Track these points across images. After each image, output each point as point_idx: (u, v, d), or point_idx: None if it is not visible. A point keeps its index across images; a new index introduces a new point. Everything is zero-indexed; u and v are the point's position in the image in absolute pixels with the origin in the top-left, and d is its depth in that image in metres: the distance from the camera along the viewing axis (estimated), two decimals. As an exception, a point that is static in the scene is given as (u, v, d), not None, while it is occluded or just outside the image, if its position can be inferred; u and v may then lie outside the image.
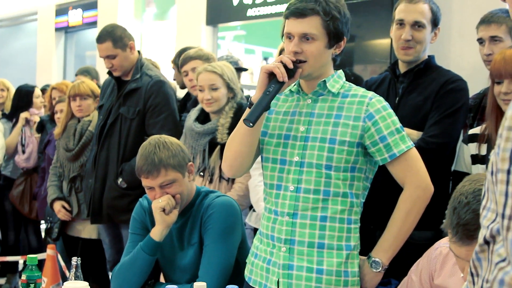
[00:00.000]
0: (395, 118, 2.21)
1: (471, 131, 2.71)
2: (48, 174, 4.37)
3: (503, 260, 0.96)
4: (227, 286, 2.04)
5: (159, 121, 3.69)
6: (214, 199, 2.57)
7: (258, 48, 9.45)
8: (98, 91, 4.19)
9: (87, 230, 4.09)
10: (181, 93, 4.43)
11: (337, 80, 2.26)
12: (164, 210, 2.47)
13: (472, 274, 1.08)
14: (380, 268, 2.21)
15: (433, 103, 2.72)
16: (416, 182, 2.19)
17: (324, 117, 2.20)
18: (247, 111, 2.14)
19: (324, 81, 2.23)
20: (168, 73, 4.52)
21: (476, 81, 3.12)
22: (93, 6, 9.10)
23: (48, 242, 4.08)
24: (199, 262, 2.53)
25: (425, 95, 2.75)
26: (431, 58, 2.86)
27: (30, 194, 5.20)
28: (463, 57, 4.21)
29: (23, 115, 5.43)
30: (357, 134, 2.16)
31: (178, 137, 3.39)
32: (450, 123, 2.68)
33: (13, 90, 5.70)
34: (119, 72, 3.82)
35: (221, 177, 3.30)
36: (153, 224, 2.55)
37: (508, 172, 0.95)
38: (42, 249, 4.69)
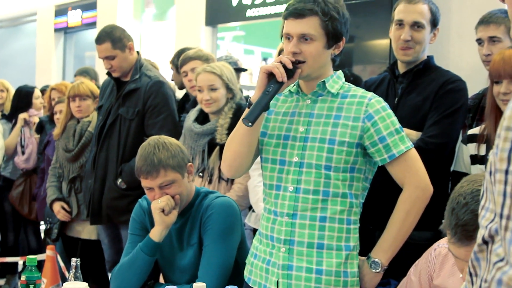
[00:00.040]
0: (395, 118, 2.21)
1: (470, 131, 2.72)
2: (47, 175, 4.37)
3: (501, 260, 0.96)
4: (227, 287, 2.04)
5: (158, 122, 3.69)
6: (213, 200, 2.57)
7: (257, 48, 9.45)
8: (97, 91, 4.19)
9: (87, 231, 4.09)
10: (179, 94, 4.43)
11: (336, 81, 2.26)
12: (163, 210, 2.47)
13: (470, 274, 1.08)
14: (380, 269, 2.21)
15: (432, 103, 2.72)
16: (415, 183, 2.19)
17: (323, 117, 2.21)
18: (246, 111, 2.15)
19: (324, 81, 2.23)
20: (167, 73, 4.52)
21: (475, 81, 3.12)
22: (92, 6, 9.09)
23: (47, 243, 4.08)
24: (198, 262, 2.53)
25: (424, 96, 2.75)
26: (430, 58, 2.86)
27: (30, 195, 5.20)
28: (462, 58, 4.21)
29: (22, 116, 5.43)
30: (356, 134, 2.16)
31: (178, 138, 3.39)
32: (449, 123, 2.68)
33: (12, 91, 5.70)
34: (118, 73, 3.82)
35: (220, 177, 3.30)
36: (152, 224, 2.55)
37: (506, 172, 0.95)
38: (42, 250, 4.69)
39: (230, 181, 3.33)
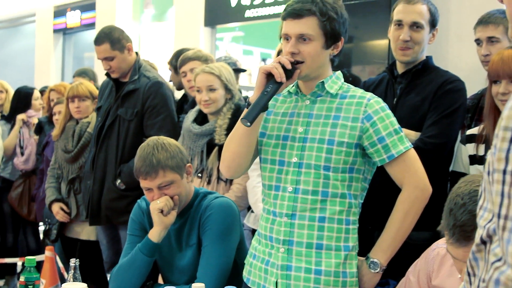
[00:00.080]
0: (394, 119, 2.22)
1: (469, 132, 2.72)
2: (46, 175, 4.37)
3: (499, 260, 0.96)
4: (226, 287, 2.04)
5: (157, 122, 3.69)
6: (212, 200, 2.57)
7: (256, 49, 9.45)
8: (96, 92, 4.19)
9: (86, 232, 4.09)
10: (177, 95, 4.43)
11: (335, 81, 2.26)
12: (162, 211, 2.47)
13: (469, 274, 1.08)
14: (379, 269, 2.21)
15: (431, 103, 2.72)
16: (414, 183, 2.19)
17: (322, 118, 2.21)
18: (245, 111, 2.15)
19: (322, 82, 2.23)
20: (166, 74, 4.52)
21: (474, 81, 3.12)
22: (91, 7, 9.09)
23: (46, 243, 4.07)
24: (197, 263, 2.53)
25: (423, 96, 2.76)
26: (429, 58, 2.86)
27: (29, 196, 5.20)
28: (461, 58, 4.21)
29: (20, 117, 5.43)
30: (355, 135, 2.16)
31: (176, 138, 3.40)
32: (448, 123, 2.69)
33: (11, 92, 5.69)
34: (117, 73, 3.82)
35: (219, 178, 3.30)
36: (151, 225, 2.55)
37: (504, 172, 0.95)
38: (41, 251, 4.69)
39: (229, 182, 3.33)
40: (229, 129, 3.19)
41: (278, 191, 2.23)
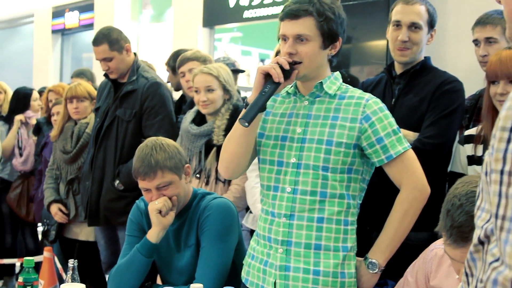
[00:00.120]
0: (392, 119, 2.22)
1: (467, 132, 2.72)
2: (44, 176, 4.36)
3: (497, 260, 0.97)
4: (224, 288, 2.04)
5: (156, 123, 3.69)
6: (210, 201, 2.57)
7: (255, 49, 9.45)
8: (94, 93, 4.19)
9: (84, 233, 4.09)
10: (175, 95, 4.43)
11: (334, 82, 2.27)
12: (160, 212, 2.47)
13: (466, 274, 1.09)
14: (377, 269, 2.21)
15: (429, 104, 2.73)
16: (412, 183, 2.20)
17: (321, 118, 2.21)
18: (243, 111, 2.15)
19: (321, 82, 2.23)
20: (164, 75, 4.52)
21: (472, 82, 3.12)
22: (89, 8, 9.09)
23: (45, 244, 4.07)
24: (196, 264, 2.53)
25: (421, 96, 2.76)
26: (427, 59, 2.87)
27: (28, 197, 5.19)
28: (459, 59, 4.21)
29: (18, 118, 5.42)
30: (354, 135, 2.16)
31: (175, 139, 3.39)
32: (446, 124, 2.69)
33: (10, 93, 5.69)
34: (116, 74, 3.82)
35: (217, 179, 3.30)
36: (149, 226, 2.55)
37: (502, 172, 0.95)
38: (39, 252, 4.69)
39: (227, 182, 3.33)
40: (227, 129, 3.19)
41: (277, 191, 2.23)
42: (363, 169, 2.23)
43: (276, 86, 2.13)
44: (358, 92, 2.26)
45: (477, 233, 1.04)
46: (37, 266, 2.48)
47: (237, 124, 2.22)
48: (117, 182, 3.70)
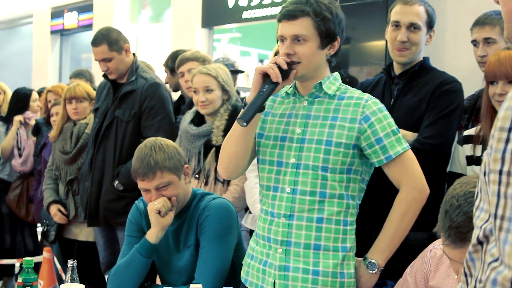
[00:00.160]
0: (391, 120, 2.22)
1: (466, 132, 2.72)
2: (44, 177, 4.36)
3: (496, 260, 0.97)
4: (223, 288, 2.04)
5: (155, 123, 3.69)
6: (210, 201, 2.57)
7: (254, 50, 9.45)
8: (93, 93, 4.19)
9: (84, 233, 4.09)
10: (174, 96, 4.43)
11: (333, 82, 2.27)
12: (159, 212, 2.47)
13: (465, 275, 1.09)
14: (376, 270, 2.21)
15: (428, 104, 2.73)
16: (412, 184, 2.20)
17: (320, 119, 2.21)
18: (242, 111, 2.15)
19: (320, 83, 2.24)
20: (163, 75, 4.52)
21: (471, 82, 3.13)
22: (88, 8, 9.09)
23: (44, 245, 4.07)
24: (195, 264, 2.53)
25: (420, 97, 2.76)
26: (426, 59, 2.87)
27: (27, 197, 5.19)
28: (457, 59, 4.22)
29: (17, 118, 5.42)
30: (353, 136, 2.17)
31: (174, 139, 3.40)
32: (445, 124, 2.69)
33: (9, 93, 5.69)
34: (115, 75, 3.82)
35: (216, 179, 3.31)
36: (149, 226, 2.55)
37: (500, 172, 0.96)
38: (39, 252, 4.69)
39: (226, 183, 3.33)
40: (226, 130, 3.19)
41: (276, 191, 2.23)
42: (362, 169, 2.24)
43: (274, 86, 2.14)
44: (357, 92, 2.27)
45: (476, 233, 1.04)
46: (37, 267, 2.49)
47: (235, 124, 2.22)
48: (116, 182, 3.70)
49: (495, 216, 0.96)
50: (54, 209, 4.07)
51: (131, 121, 3.72)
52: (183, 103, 4.12)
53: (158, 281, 2.83)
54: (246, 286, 2.33)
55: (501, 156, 0.96)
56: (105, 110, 3.83)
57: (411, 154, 2.23)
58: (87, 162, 3.88)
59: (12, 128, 5.41)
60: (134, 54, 3.91)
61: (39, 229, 4.81)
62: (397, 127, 2.23)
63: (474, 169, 2.62)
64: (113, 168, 3.72)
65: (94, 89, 4.34)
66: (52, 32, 9.91)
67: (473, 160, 2.63)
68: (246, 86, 7.79)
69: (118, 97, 3.77)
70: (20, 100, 5.50)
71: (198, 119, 3.46)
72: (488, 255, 0.99)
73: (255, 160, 2.36)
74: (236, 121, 2.19)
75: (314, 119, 2.22)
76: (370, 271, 2.22)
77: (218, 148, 2.95)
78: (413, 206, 2.20)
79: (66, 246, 4.21)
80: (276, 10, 6.15)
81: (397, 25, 2.80)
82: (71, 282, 2.28)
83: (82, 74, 5.66)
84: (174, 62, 4.19)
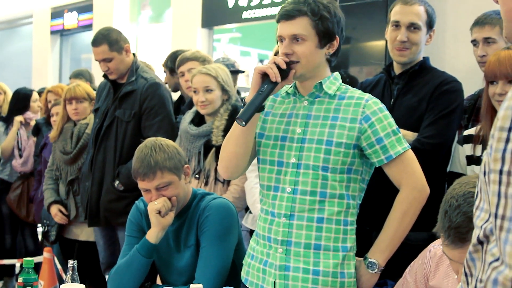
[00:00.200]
0: (391, 120, 2.22)
1: (466, 132, 2.72)
2: (44, 177, 4.36)
3: (497, 260, 0.97)
4: (224, 288, 2.04)
5: (155, 123, 3.69)
6: (210, 201, 2.57)
7: (254, 50, 9.45)
8: (93, 94, 4.19)
9: (85, 233, 4.09)
10: (174, 96, 4.43)
11: (333, 82, 2.27)
12: (159, 212, 2.47)
13: (466, 274, 1.09)
14: (377, 269, 2.22)
15: (428, 104, 2.73)
16: (412, 184, 2.20)
17: (320, 119, 2.21)
18: (241, 111, 2.16)
19: (320, 82, 2.24)
20: (163, 75, 4.52)
21: (471, 82, 3.13)
22: (88, 9, 9.09)
23: (45, 245, 4.07)
24: (195, 264, 2.53)
25: (420, 96, 2.76)
26: (425, 59, 2.87)
27: (27, 198, 5.19)
28: (457, 59, 4.22)
29: (18, 119, 5.42)
30: (353, 136, 2.17)
31: (174, 139, 3.40)
32: (445, 124, 2.69)
33: (10, 93, 5.69)
34: (115, 75, 3.82)
35: (216, 179, 3.31)
36: (149, 226, 2.55)
37: (500, 172, 0.96)
38: (39, 252, 4.69)
39: (226, 183, 3.33)
40: (226, 130, 3.19)
41: (277, 191, 2.23)
42: (363, 169, 2.24)
43: (273, 85, 2.14)
44: (357, 92, 2.27)
45: (476, 233, 1.04)
46: (37, 267, 2.48)
47: (235, 124, 2.22)
48: (117, 182, 3.70)
49: (496, 216, 0.96)
50: (54, 209, 4.07)
51: (131, 121, 3.72)
52: (183, 103, 4.12)
53: (158, 281, 2.83)
54: (247, 286, 2.33)
55: (501, 156, 0.96)
56: (105, 110, 3.83)
57: (411, 154, 2.23)
58: (88, 162, 3.88)
59: (13, 128, 5.41)
60: (134, 54, 3.91)
61: (40, 229, 4.81)
62: (397, 127, 2.23)
63: (474, 169, 2.62)
64: (113, 168, 3.72)
65: (94, 89, 4.34)
66: (52, 32, 9.91)
67: (473, 160, 2.63)
68: (247, 86, 7.79)
69: (118, 97, 3.77)
70: (21, 100, 5.50)
71: (198, 119, 3.46)
72: (489, 255, 1.00)
73: (255, 160, 2.36)
74: (235, 121, 2.19)
75: (314, 119, 2.22)
76: (371, 271, 2.22)
77: (218, 148, 2.95)
78: (414, 205, 2.20)
79: (66, 246, 4.21)
80: (276, 10, 6.11)
81: (397, 25, 2.81)
82: (71, 282, 2.28)
83: (81, 75, 5.67)
84: (173, 63, 4.19)
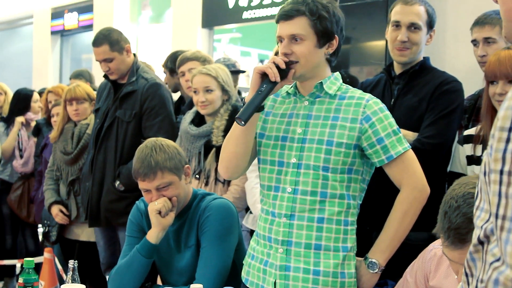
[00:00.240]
0: (392, 120, 2.22)
1: (466, 132, 2.72)
2: (45, 177, 4.36)
3: (498, 260, 0.97)
4: (224, 288, 2.04)
5: (156, 124, 3.69)
6: (210, 202, 2.57)
7: (254, 50, 9.45)
8: (93, 94, 4.19)
9: (86, 233, 4.09)
10: (174, 96, 4.43)
11: (334, 82, 2.27)
12: (160, 212, 2.47)
13: (466, 275, 1.09)
14: (377, 269, 2.22)
15: (428, 104, 2.73)
16: (412, 184, 2.20)
17: (321, 119, 2.22)
18: (240, 110, 2.16)
19: (321, 83, 2.24)
20: (162, 76, 4.52)
21: (471, 82, 3.13)
22: (89, 9, 9.09)
23: (45, 245, 4.07)
24: (196, 264, 2.53)
25: (420, 96, 2.76)
26: (426, 59, 2.87)
27: (28, 198, 5.19)
28: (457, 59, 4.22)
29: (19, 120, 5.43)
30: (354, 136, 2.17)
31: (175, 139, 3.40)
32: (445, 124, 2.69)
33: (10, 94, 5.69)
34: (116, 75, 3.82)
35: (216, 179, 3.31)
36: (149, 226, 2.55)
37: (501, 172, 0.96)
38: (40, 253, 4.69)
39: (227, 183, 3.33)
40: (226, 130, 3.19)
41: (277, 191, 2.23)
42: (363, 169, 2.24)
43: (272, 85, 2.14)
44: (358, 92, 2.27)
45: (477, 233, 1.04)
46: (38, 267, 2.48)
47: (235, 124, 2.22)
48: (117, 183, 3.70)
49: (496, 216, 0.96)
50: (55, 209, 4.07)
51: (132, 121, 3.72)
52: (183, 104, 4.12)
53: (159, 282, 2.83)
54: (247, 286, 2.33)
55: (501, 156, 0.96)
56: (106, 111, 3.83)
57: (412, 154, 2.23)
58: (88, 162, 3.88)
59: (14, 129, 5.41)
60: (134, 55, 3.91)
61: (40, 230, 4.81)
62: (398, 127, 2.23)
63: (474, 169, 2.62)
64: (114, 168, 3.73)
65: (94, 90, 4.34)
66: (53, 33, 9.92)
67: (474, 160, 2.63)
68: (247, 86, 7.79)
69: (119, 97, 3.77)
70: (22, 101, 5.50)
71: (198, 120, 3.46)
72: (490, 255, 1.00)
73: (256, 161, 2.36)
74: (235, 120, 2.19)
75: (315, 119, 2.22)
76: (371, 271, 2.22)
77: (218, 149, 2.95)
78: (414, 205, 2.20)
79: (67, 246, 4.21)
80: (276, 10, 6.11)
81: (397, 25, 2.81)
82: (72, 282, 2.28)
83: (81, 75, 5.67)
84: (173, 63, 4.19)
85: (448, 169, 2.81)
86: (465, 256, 1.09)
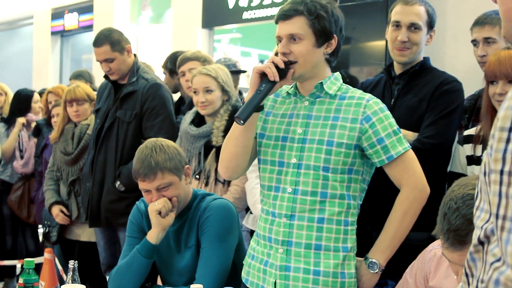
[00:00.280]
0: (392, 120, 2.22)
1: (466, 132, 2.73)
2: (45, 178, 4.36)
3: (498, 260, 0.97)
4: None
5: (156, 124, 3.69)
6: (211, 202, 2.57)
7: (254, 50, 9.45)
8: (93, 94, 4.19)
9: (86, 234, 4.09)
10: (174, 97, 4.43)
11: (334, 82, 2.27)
12: (160, 213, 2.47)
13: (466, 275, 1.09)
14: (377, 269, 2.22)
15: (428, 104, 2.73)
16: (412, 184, 2.20)
17: (321, 119, 2.22)
18: (239, 110, 2.16)
19: (321, 83, 2.24)
20: (162, 76, 4.52)
21: (471, 82, 3.13)
22: (89, 9, 9.09)
23: (45, 246, 4.07)
24: (196, 264, 2.53)
25: (420, 96, 2.76)
26: (426, 59, 2.87)
27: (28, 199, 5.19)
28: (457, 59, 4.22)
29: (21, 120, 5.43)
30: (354, 136, 2.17)
31: (175, 140, 3.40)
32: (445, 124, 2.69)
33: (10, 94, 5.69)
34: (117, 75, 3.82)
35: (216, 179, 3.31)
36: (149, 227, 2.55)
37: (501, 172, 0.96)
38: (40, 253, 4.69)
39: (227, 183, 3.33)
40: (226, 130, 3.19)
41: (277, 192, 2.23)
42: (364, 169, 2.24)
43: (271, 85, 2.14)
44: (358, 92, 2.27)
45: (477, 233, 1.04)
46: (38, 268, 2.48)
47: (235, 124, 2.23)
48: (118, 183, 3.70)
49: (497, 216, 0.96)
50: (56, 210, 4.07)
51: (132, 122, 3.72)
52: (183, 104, 4.13)
53: (159, 282, 2.83)
54: (247, 286, 2.33)
55: (501, 156, 0.96)
56: (106, 111, 3.83)
57: (412, 154, 2.23)
58: (89, 163, 3.88)
59: (14, 129, 5.42)
60: (135, 55, 3.91)
61: (40, 230, 4.81)
62: (398, 127, 2.23)
63: (474, 169, 2.62)
64: (114, 169, 3.73)
65: (94, 90, 4.34)
66: (53, 33, 9.92)
67: (474, 160, 2.63)
68: (247, 86, 7.79)
69: (119, 98, 3.77)
70: (22, 101, 5.50)
71: (198, 120, 3.46)
72: (490, 255, 1.00)
73: (256, 161, 2.36)
74: (235, 122, 2.20)
75: (315, 119, 2.22)
76: (371, 271, 2.22)
77: (218, 149, 2.95)
78: (414, 205, 2.20)
79: (67, 247, 4.21)
80: (276, 11, 6.13)
81: (397, 25, 2.81)
82: (72, 283, 2.28)
83: (81, 76, 5.67)
84: (173, 64, 4.19)
85: (448, 169, 2.81)
86: (465, 258, 1.09)
